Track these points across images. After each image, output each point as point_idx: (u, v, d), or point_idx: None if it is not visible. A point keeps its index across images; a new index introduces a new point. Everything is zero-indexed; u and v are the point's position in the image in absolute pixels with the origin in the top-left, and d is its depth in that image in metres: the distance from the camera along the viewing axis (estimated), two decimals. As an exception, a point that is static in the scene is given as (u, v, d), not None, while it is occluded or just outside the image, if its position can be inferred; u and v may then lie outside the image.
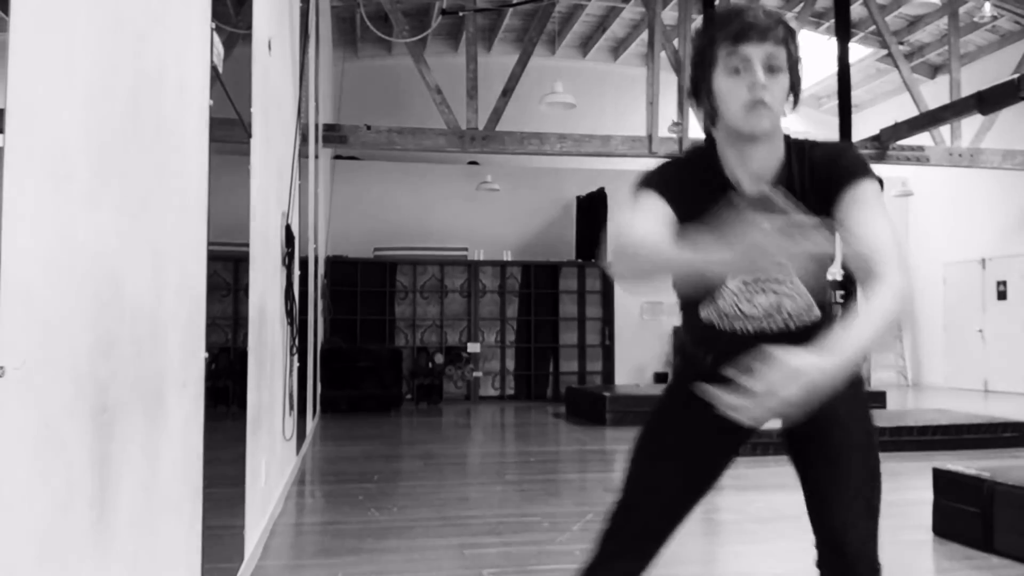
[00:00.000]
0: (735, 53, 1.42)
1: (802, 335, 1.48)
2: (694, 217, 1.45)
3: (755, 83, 1.41)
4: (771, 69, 1.43)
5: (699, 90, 1.50)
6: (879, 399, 8.44)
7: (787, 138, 1.53)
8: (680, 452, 1.64)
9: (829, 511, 1.55)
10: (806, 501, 1.61)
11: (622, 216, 1.59)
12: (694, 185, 1.52)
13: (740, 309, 1.55)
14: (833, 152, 1.50)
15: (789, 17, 10.92)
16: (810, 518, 1.59)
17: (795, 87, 1.47)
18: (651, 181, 1.56)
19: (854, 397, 1.55)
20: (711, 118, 1.51)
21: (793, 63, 1.46)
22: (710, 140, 1.58)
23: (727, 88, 1.44)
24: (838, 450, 1.56)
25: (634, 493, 1.66)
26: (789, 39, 1.45)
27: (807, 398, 1.21)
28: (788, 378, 1.20)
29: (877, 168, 10.49)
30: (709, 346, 1.62)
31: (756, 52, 1.41)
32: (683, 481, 1.65)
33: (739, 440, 1.69)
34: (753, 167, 1.50)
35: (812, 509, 1.59)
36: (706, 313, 1.60)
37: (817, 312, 1.57)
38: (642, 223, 1.48)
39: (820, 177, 1.47)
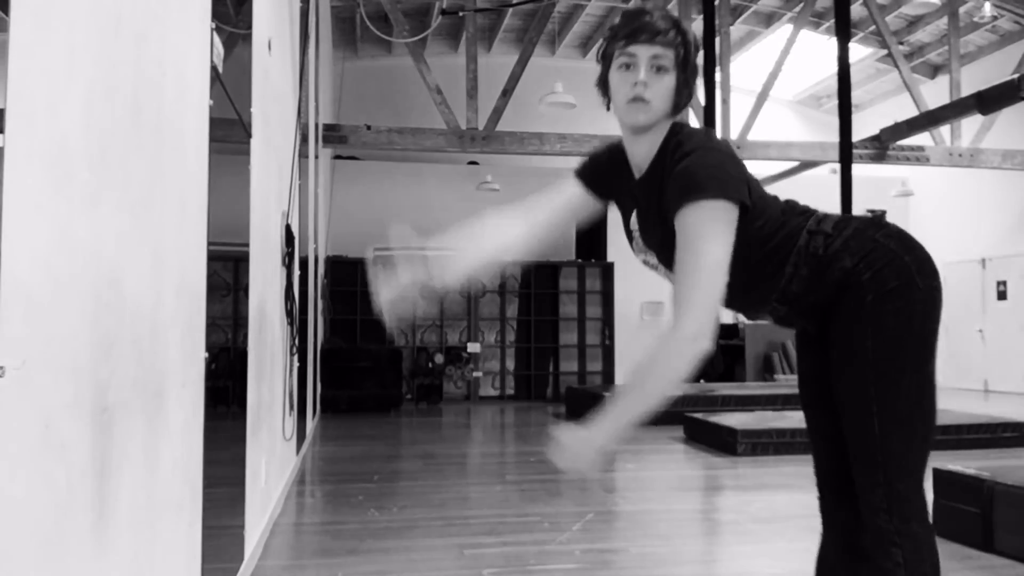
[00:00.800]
0: (625, 52, 1.55)
1: (738, 297, 1.63)
2: (613, 194, 1.75)
3: (636, 80, 1.53)
4: (658, 69, 1.54)
5: (600, 82, 1.66)
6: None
7: (672, 132, 1.61)
8: (804, 393, 1.80)
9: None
10: None
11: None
12: (617, 166, 1.72)
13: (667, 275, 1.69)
14: (678, 168, 1.53)
15: (789, 17, 10.89)
16: None
17: (681, 89, 1.57)
18: (581, 165, 1.81)
19: (858, 315, 1.58)
20: (608, 108, 1.65)
21: (682, 63, 1.55)
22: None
23: (616, 82, 1.58)
24: (836, 400, 1.64)
25: (811, 443, 1.80)
26: (681, 42, 1.55)
27: (584, 465, 1.43)
28: (559, 452, 1.44)
29: (877, 168, 10.40)
30: None
31: (644, 52, 1.53)
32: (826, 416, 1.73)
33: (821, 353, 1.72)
34: (636, 158, 1.65)
35: None
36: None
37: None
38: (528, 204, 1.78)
39: (672, 184, 1.54)
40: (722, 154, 1.54)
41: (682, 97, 1.58)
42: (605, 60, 1.62)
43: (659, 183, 1.58)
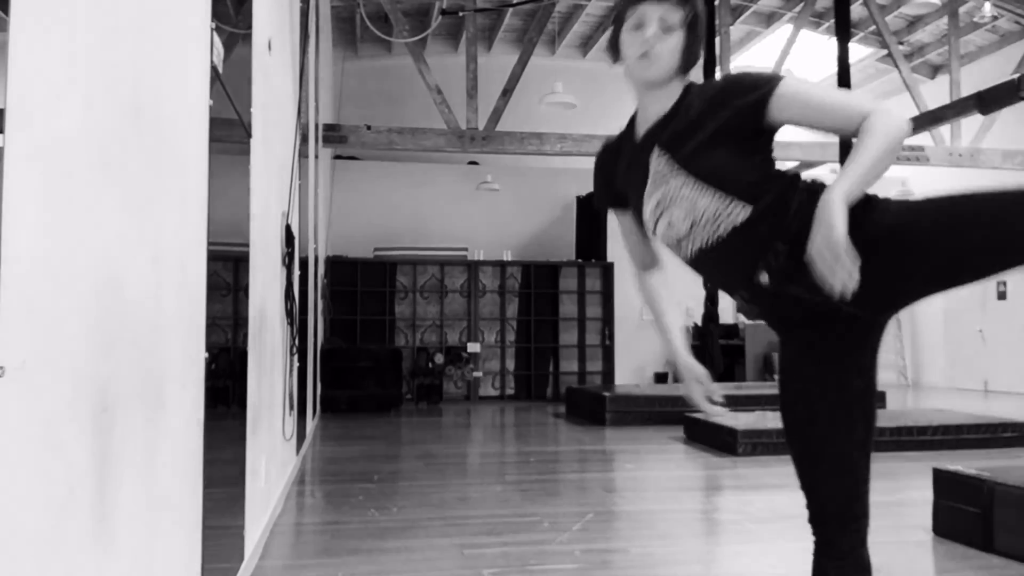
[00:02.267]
0: (636, 11, 1.64)
1: (743, 233, 1.57)
2: (621, 189, 1.80)
3: (645, 38, 1.63)
4: (666, 28, 1.63)
5: (611, 44, 1.73)
6: (879, 399, 8.43)
7: (687, 87, 1.70)
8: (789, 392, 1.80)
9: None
10: None
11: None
12: (618, 152, 1.80)
13: (673, 235, 1.67)
14: (737, 76, 1.66)
15: (789, 17, 10.88)
16: None
17: (689, 47, 1.66)
18: (600, 198, 1.94)
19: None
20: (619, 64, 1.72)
21: (690, 23, 1.64)
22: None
23: (627, 41, 1.67)
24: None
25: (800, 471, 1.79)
26: (688, 3, 1.65)
27: (842, 234, 1.37)
28: (825, 233, 1.37)
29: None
30: (702, 275, 1.77)
31: (652, 11, 1.63)
32: None
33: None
34: (649, 114, 1.71)
35: None
36: (672, 252, 1.75)
37: (743, 206, 1.57)
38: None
39: (729, 93, 1.61)
40: None
41: (690, 56, 1.66)
42: (616, 22, 1.70)
43: (688, 111, 1.64)
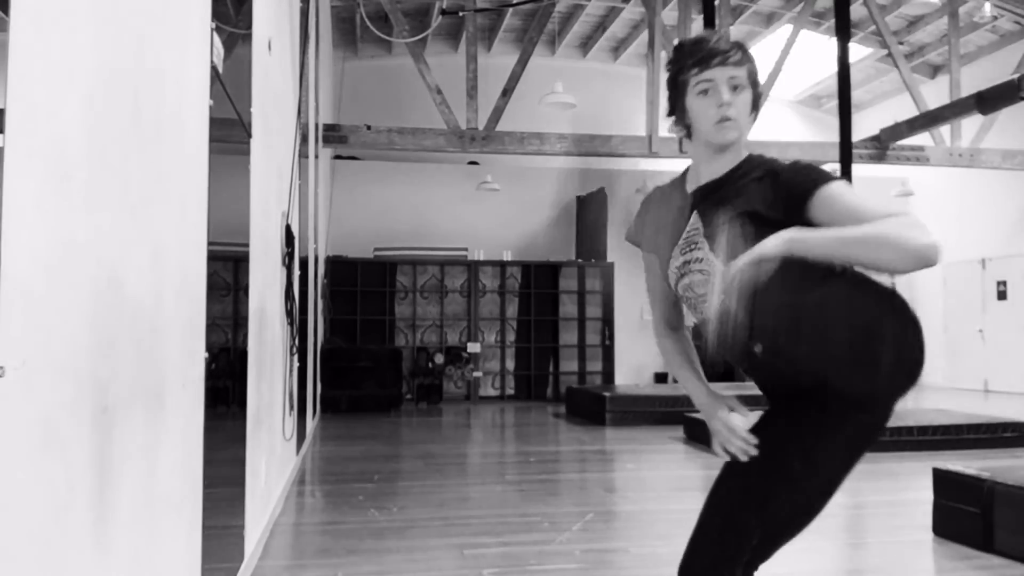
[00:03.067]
0: (702, 77, 1.63)
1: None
2: (660, 226, 1.76)
3: (722, 103, 1.61)
4: (734, 88, 1.63)
5: (675, 110, 1.71)
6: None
7: (748, 157, 1.70)
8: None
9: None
10: None
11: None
12: (668, 198, 1.77)
13: (691, 297, 1.69)
14: (795, 165, 1.62)
15: (789, 17, 10.89)
16: None
17: (756, 101, 1.68)
18: (634, 232, 1.87)
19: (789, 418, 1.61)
20: (687, 133, 1.71)
21: (753, 80, 1.66)
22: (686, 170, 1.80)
23: (699, 108, 1.65)
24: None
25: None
26: (747, 60, 1.65)
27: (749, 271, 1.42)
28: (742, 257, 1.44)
29: (877, 168, 10.43)
30: (710, 341, 1.65)
31: (720, 75, 1.62)
32: None
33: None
34: (702, 172, 1.71)
35: None
36: (689, 311, 1.76)
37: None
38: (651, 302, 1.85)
39: (784, 182, 1.58)
40: None
41: (757, 112, 1.69)
42: (678, 91, 1.68)
43: (738, 183, 1.64)
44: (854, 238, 1.41)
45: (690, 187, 1.72)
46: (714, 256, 1.61)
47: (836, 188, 1.52)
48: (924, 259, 1.38)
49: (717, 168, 1.68)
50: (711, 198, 1.66)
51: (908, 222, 1.41)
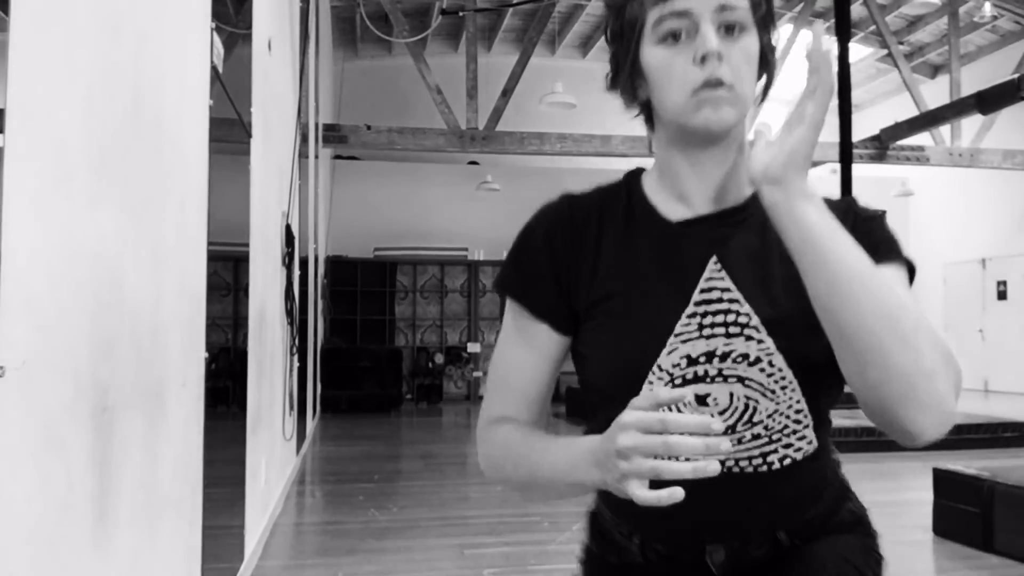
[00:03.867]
0: (670, 8, 0.90)
1: (784, 479, 0.97)
2: (605, 273, 1.00)
3: (707, 51, 0.89)
4: (728, 29, 0.91)
5: (619, 73, 0.99)
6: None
7: None
8: None
9: None
10: None
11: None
12: (598, 225, 1.05)
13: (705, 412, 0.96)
14: (882, 220, 1.00)
15: (789, 17, 10.90)
16: None
17: (767, 56, 0.95)
18: (515, 278, 1.05)
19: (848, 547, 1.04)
20: (646, 115, 1.03)
21: (763, 20, 0.93)
22: (632, 173, 1.11)
23: (663, 63, 0.92)
24: None
25: None
26: None
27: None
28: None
29: (877, 168, 10.43)
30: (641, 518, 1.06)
31: (701, 4, 0.90)
32: None
33: None
34: (701, 187, 0.99)
35: None
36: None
37: (811, 438, 1.00)
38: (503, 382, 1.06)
39: (861, 233, 0.90)
40: None
41: (771, 77, 0.97)
42: (628, 33, 0.95)
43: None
44: (878, 284, 0.83)
45: (671, 212, 1.01)
46: (782, 358, 0.93)
47: (902, 274, 0.96)
48: (927, 391, 0.84)
49: (720, 181, 0.98)
50: (741, 241, 0.97)
51: (944, 350, 0.87)
